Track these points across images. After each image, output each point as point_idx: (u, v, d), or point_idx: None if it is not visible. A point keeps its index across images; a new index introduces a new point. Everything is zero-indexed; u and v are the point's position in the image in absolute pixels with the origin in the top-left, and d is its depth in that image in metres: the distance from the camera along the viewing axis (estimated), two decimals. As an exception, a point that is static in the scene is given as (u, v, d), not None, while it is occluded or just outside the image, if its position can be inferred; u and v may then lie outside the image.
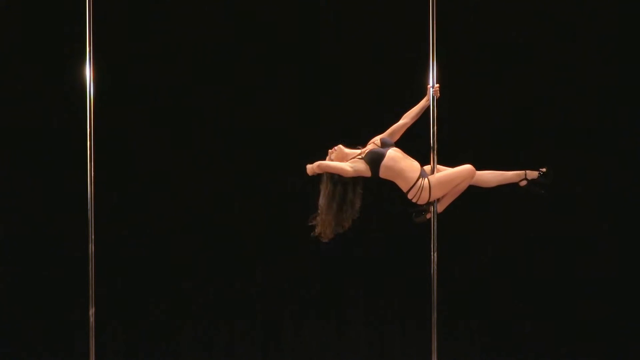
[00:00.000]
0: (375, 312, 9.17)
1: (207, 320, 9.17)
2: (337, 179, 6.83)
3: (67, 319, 8.97)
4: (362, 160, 6.85)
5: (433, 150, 6.96)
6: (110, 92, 8.50)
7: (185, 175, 9.12)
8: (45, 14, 8.96)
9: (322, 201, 6.89)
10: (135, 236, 9.11)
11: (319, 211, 6.91)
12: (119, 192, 9.03)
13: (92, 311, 7.19)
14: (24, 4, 8.96)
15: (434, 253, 6.99)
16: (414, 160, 6.91)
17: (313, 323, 9.19)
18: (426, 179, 6.83)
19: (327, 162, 6.81)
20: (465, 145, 8.69)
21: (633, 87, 8.96)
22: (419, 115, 6.98)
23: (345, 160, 6.88)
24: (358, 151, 6.95)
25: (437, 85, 6.91)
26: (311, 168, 6.84)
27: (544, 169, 6.88)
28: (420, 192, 6.82)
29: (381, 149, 6.86)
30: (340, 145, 6.95)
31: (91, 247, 7.14)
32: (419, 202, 6.88)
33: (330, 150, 6.93)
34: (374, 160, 6.81)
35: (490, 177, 6.93)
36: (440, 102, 6.93)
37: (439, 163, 6.92)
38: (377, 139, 7.00)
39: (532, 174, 6.88)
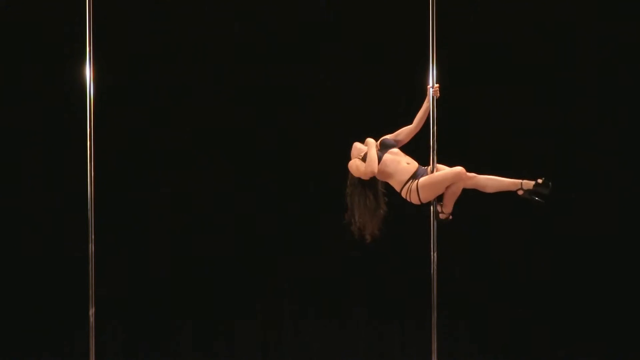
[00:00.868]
0: (375, 312, 9.17)
1: (207, 320, 9.17)
2: (363, 190, 6.90)
3: (67, 319, 8.97)
4: (361, 162, 6.91)
5: (433, 150, 6.97)
6: (110, 92, 8.50)
7: (185, 175, 9.12)
8: (45, 14, 8.95)
9: (354, 206, 6.91)
10: (135, 236, 9.11)
11: (354, 216, 6.95)
12: (119, 192, 9.02)
13: (92, 311, 7.20)
14: (24, 4, 8.96)
15: (434, 253, 6.99)
16: (412, 161, 6.93)
17: (313, 323, 9.19)
18: (415, 181, 6.86)
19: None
20: (465, 146, 8.69)
21: (633, 86, 8.95)
22: (424, 119, 6.99)
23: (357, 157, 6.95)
24: (363, 152, 6.99)
25: (437, 85, 6.91)
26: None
27: (540, 180, 6.82)
28: (410, 194, 6.87)
29: (390, 142, 6.97)
30: (356, 144, 7.00)
31: (91, 247, 7.14)
32: (413, 202, 6.92)
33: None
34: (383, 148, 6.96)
35: (489, 182, 6.91)
36: (440, 102, 6.93)
37: (440, 163, 6.93)
38: (380, 140, 7.04)
39: (528, 184, 6.82)
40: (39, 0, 8.97)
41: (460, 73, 8.66)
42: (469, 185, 6.89)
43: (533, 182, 6.81)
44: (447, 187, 6.87)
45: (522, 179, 6.85)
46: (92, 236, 7.13)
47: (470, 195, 7.06)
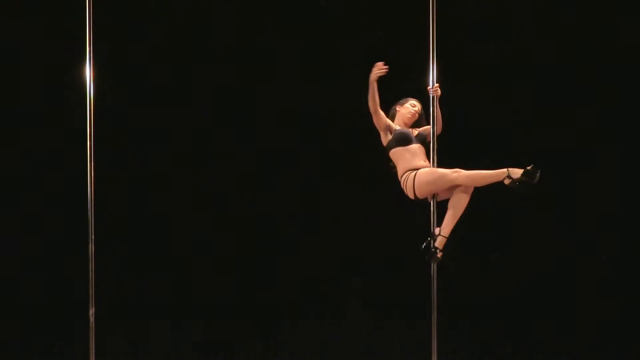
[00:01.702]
0: (375, 312, 9.17)
1: (207, 320, 9.17)
2: None
3: (67, 319, 8.97)
4: (392, 129, 7.03)
5: (433, 151, 6.97)
6: (110, 92, 8.50)
7: (186, 175, 9.12)
8: (45, 14, 8.95)
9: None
10: (136, 236, 9.11)
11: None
12: (119, 192, 9.02)
13: (92, 311, 7.20)
14: (24, 4, 8.96)
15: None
16: (426, 162, 6.94)
17: (313, 323, 9.19)
18: (414, 172, 6.87)
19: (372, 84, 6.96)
20: (466, 146, 8.70)
21: (633, 86, 8.96)
22: (437, 119, 6.98)
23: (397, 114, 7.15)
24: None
25: (437, 84, 6.91)
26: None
27: (528, 167, 6.64)
28: (406, 183, 6.88)
29: (411, 137, 7.00)
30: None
31: (91, 247, 7.14)
32: (409, 195, 6.91)
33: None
34: (398, 139, 6.98)
35: (478, 177, 6.83)
36: (440, 101, 6.94)
37: (439, 164, 6.94)
38: (420, 129, 7.12)
39: (516, 173, 6.65)
40: (39, 0, 8.97)
41: (460, 73, 8.66)
42: (462, 183, 6.84)
43: (521, 170, 6.64)
44: (452, 199, 6.85)
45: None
46: (92, 236, 7.13)
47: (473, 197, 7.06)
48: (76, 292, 8.46)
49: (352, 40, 9.03)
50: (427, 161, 6.96)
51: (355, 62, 9.06)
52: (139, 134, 9.09)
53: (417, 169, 6.89)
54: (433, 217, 6.98)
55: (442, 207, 7.03)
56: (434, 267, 7.00)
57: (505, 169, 6.70)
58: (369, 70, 6.88)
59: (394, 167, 7.05)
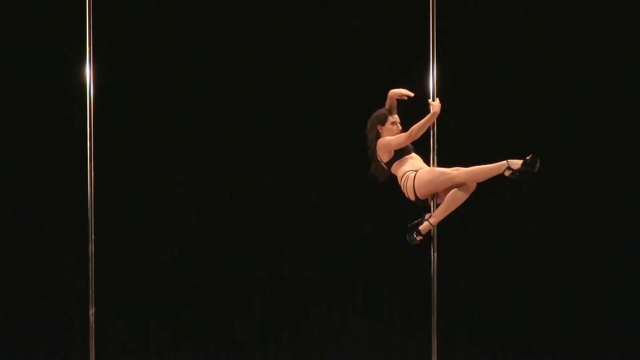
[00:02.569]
0: (375, 313, 9.16)
1: (207, 320, 9.17)
2: (371, 125, 7.06)
3: (67, 319, 8.97)
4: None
5: (433, 151, 6.97)
6: (110, 92, 8.50)
7: (186, 175, 9.12)
8: (45, 14, 8.95)
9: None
10: (136, 236, 9.11)
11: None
12: (119, 192, 9.02)
13: (92, 311, 7.19)
14: (24, 4, 8.96)
15: (434, 253, 6.99)
16: (422, 164, 6.95)
17: (313, 323, 9.19)
18: (415, 172, 6.87)
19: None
20: (465, 147, 8.69)
21: (633, 86, 8.95)
22: (420, 132, 6.95)
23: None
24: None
25: (438, 100, 6.92)
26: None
27: (528, 157, 6.66)
28: (407, 182, 6.87)
29: (410, 146, 7.01)
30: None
31: (91, 247, 7.14)
32: (409, 197, 6.90)
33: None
34: (402, 150, 6.98)
35: (478, 171, 6.83)
36: (441, 100, 6.95)
37: (440, 165, 6.93)
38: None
39: (516, 163, 6.67)
40: (39, 0, 8.97)
41: (460, 73, 8.66)
42: (465, 180, 6.83)
43: (521, 161, 6.66)
44: (448, 192, 6.85)
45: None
46: (92, 236, 7.13)
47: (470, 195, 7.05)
48: (76, 292, 8.46)
49: (352, 40, 9.03)
50: (425, 165, 6.97)
51: (355, 62, 9.09)
52: (139, 134, 9.08)
53: (416, 170, 6.89)
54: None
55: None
56: (433, 267, 7.00)
57: (504, 161, 6.73)
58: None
59: (381, 176, 7.08)
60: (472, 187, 6.84)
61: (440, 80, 6.98)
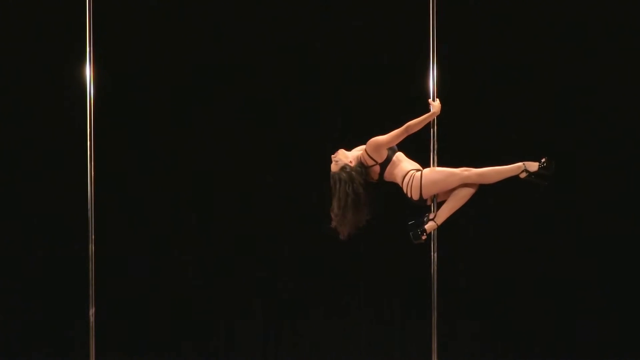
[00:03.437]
0: (375, 312, 9.17)
1: (207, 320, 9.17)
2: (351, 179, 6.81)
3: (67, 319, 8.97)
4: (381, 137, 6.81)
5: (433, 151, 6.96)
6: (110, 92, 8.50)
7: (186, 175, 9.12)
8: (45, 14, 8.95)
9: (335, 203, 6.86)
10: (136, 236, 9.11)
11: (333, 211, 6.87)
12: (119, 192, 9.02)
13: (92, 311, 7.19)
14: (24, 4, 8.96)
15: (434, 253, 6.99)
16: (414, 163, 6.90)
17: (312, 323, 9.19)
18: (419, 172, 6.82)
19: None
20: (466, 147, 8.69)
21: (633, 87, 8.95)
22: (415, 128, 6.89)
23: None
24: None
25: (438, 101, 6.89)
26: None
27: (543, 159, 6.64)
28: (412, 182, 6.78)
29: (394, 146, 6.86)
30: (342, 150, 6.92)
31: (91, 247, 7.14)
32: (412, 197, 6.83)
33: (332, 156, 6.90)
34: (393, 147, 6.83)
35: (492, 173, 6.79)
36: (441, 100, 6.95)
37: (440, 165, 6.92)
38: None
39: (532, 166, 6.64)
40: (39, 0, 8.97)
41: (460, 73, 8.66)
42: (475, 180, 6.79)
43: (537, 163, 6.63)
44: (453, 192, 6.83)
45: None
46: (92, 236, 7.13)
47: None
48: (76, 292, 8.46)
49: (353, 39, 9.03)
50: (413, 162, 6.94)
51: (355, 62, 9.09)
52: (139, 134, 9.09)
53: (419, 169, 6.86)
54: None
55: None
56: (433, 267, 7.00)
57: (521, 163, 6.68)
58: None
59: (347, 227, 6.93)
60: (476, 186, 6.82)
61: (440, 80, 6.98)
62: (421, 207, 7.02)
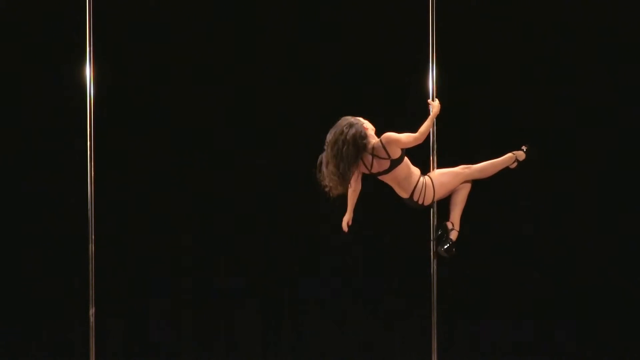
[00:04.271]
0: (375, 312, 9.16)
1: (207, 320, 9.17)
2: (354, 143, 6.69)
3: (67, 319, 8.97)
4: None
5: (433, 151, 6.97)
6: (110, 92, 8.50)
7: (186, 175, 9.12)
8: (45, 14, 8.95)
9: (335, 159, 6.75)
10: (136, 236, 9.11)
11: (323, 167, 6.79)
12: (119, 192, 9.02)
13: (92, 311, 7.21)
14: (24, 4, 8.96)
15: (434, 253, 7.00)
16: (415, 167, 6.91)
17: (312, 323, 9.19)
18: (427, 177, 6.83)
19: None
20: (465, 146, 8.69)
21: (633, 87, 8.95)
22: (426, 133, 6.87)
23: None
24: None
25: (437, 100, 6.90)
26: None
27: (524, 147, 7.03)
28: (425, 189, 6.80)
29: None
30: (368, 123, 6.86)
31: (91, 247, 7.15)
32: (424, 202, 6.84)
33: (360, 118, 6.83)
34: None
35: (489, 166, 6.93)
36: (440, 100, 6.95)
37: (439, 165, 6.94)
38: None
39: (520, 155, 7.02)
40: (39, 0, 8.97)
41: (460, 72, 8.66)
42: (472, 177, 6.88)
43: (523, 152, 7.02)
44: (455, 194, 6.87)
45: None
46: (92, 236, 7.14)
47: (470, 195, 7.05)
48: (76, 292, 8.46)
49: (352, 40, 9.03)
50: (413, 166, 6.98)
51: (355, 61, 9.09)
52: (139, 134, 9.09)
53: (426, 175, 6.88)
54: (433, 217, 6.98)
55: (443, 206, 7.05)
56: (433, 267, 7.01)
57: (511, 154, 6.98)
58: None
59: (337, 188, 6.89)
60: (471, 183, 6.93)
61: (440, 80, 6.99)
62: (419, 212, 7.04)
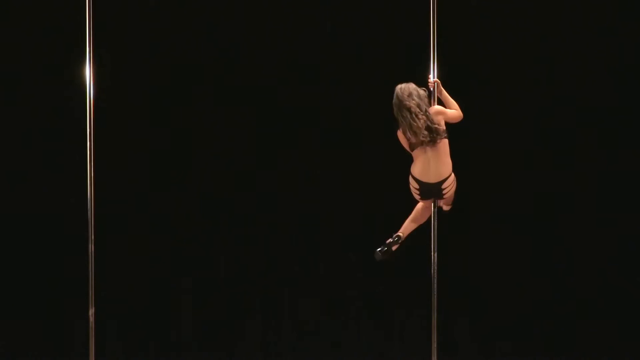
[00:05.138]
0: (375, 313, 9.17)
1: (207, 320, 9.18)
2: (409, 110, 6.69)
3: (67, 319, 8.97)
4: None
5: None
6: (110, 92, 8.50)
7: (186, 175, 9.12)
8: (45, 14, 8.96)
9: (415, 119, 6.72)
10: (135, 236, 9.11)
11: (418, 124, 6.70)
12: (119, 193, 9.02)
13: (92, 311, 7.20)
14: (25, 4, 8.97)
15: (434, 253, 7.00)
16: None
17: (312, 323, 9.19)
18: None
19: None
20: (466, 146, 8.69)
21: (633, 87, 8.96)
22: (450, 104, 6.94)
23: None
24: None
25: (436, 80, 6.91)
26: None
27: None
28: (453, 186, 6.84)
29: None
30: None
31: (91, 247, 7.14)
32: (446, 197, 6.86)
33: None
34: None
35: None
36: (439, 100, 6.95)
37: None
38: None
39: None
40: (40, 1, 8.97)
41: (460, 72, 8.66)
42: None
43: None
44: (425, 210, 6.97)
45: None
46: (92, 236, 7.13)
47: (470, 195, 7.05)
48: (76, 292, 8.46)
49: (352, 38, 9.04)
50: None
51: (355, 59, 9.09)
52: (139, 134, 9.09)
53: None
54: (434, 221, 6.99)
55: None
56: (433, 267, 7.00)
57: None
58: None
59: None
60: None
61: (440, 79, 6.98)
62: (433, 211, 7.06)
